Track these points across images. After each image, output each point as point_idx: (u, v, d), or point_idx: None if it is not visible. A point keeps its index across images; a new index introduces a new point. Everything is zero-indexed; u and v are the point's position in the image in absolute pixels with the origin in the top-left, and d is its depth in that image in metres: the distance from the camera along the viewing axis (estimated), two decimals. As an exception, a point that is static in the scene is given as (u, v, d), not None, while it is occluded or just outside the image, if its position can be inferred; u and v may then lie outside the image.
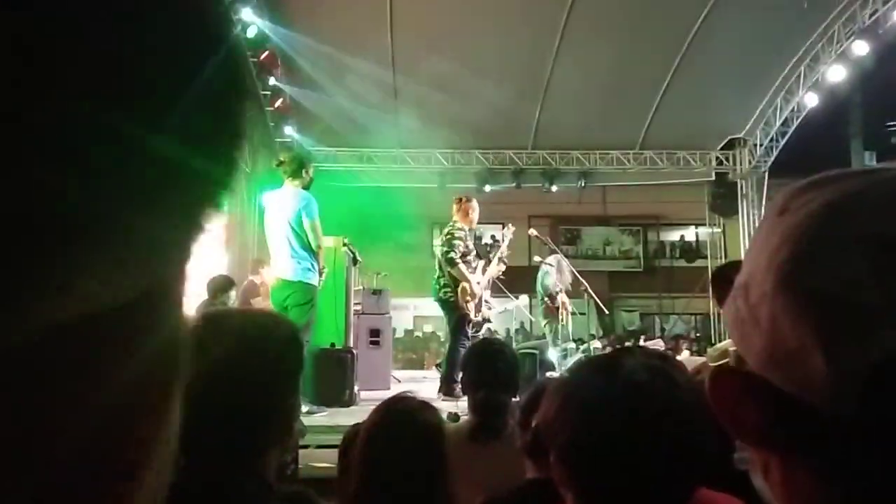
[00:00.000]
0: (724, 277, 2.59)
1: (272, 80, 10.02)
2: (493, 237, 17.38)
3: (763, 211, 12.37)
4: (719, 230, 15.27)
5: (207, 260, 10.24)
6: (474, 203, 6.23)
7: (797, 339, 0.40)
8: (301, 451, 3.85)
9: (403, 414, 1.70)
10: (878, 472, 0.38)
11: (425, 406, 1.79)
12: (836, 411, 0.39)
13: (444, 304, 6.07)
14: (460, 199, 6.29)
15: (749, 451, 0.48)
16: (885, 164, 0.45)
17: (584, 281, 7.44)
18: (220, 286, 6.68)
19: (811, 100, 11.16)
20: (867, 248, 0.39)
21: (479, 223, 6.48)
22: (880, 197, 0.41)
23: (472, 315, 5.91)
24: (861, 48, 9.92)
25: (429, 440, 1.66)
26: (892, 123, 14.86)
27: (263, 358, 1.17)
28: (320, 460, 3.74)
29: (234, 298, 7.09)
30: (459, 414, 4.05)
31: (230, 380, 1.12)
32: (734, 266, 0.50)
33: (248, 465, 1.16)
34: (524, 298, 7.25)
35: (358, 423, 2.18)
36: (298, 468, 3.10)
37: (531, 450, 1.85)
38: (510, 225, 6.86)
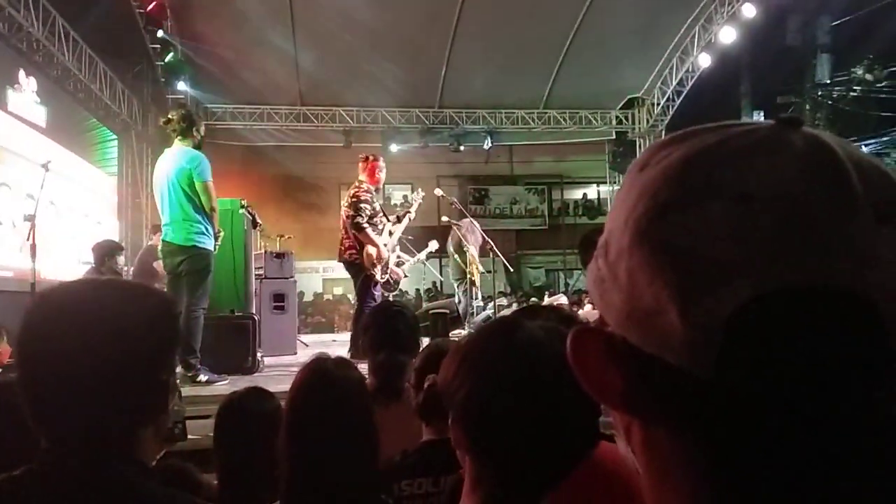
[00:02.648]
0: (590, 242, 2.63)
1: (161, 33, 9.41)
2: (404, 197, 17.33)
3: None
4: (619, 187, 15.79)
5: (99, 226, 9.67)
6: (381, 162, 6.08)
7: (653, 295, 0.38)
8: (199, 422, 3.70)
9: (320, 373, 1.63)
10: (737, 431, 0.37)
11: (342, 363, 1.72)
12: (694, 370, 0.37)
13: (351, 265, 5.96)
14: (367, 158, 6.12)
15: (612, 415, 0.46)
16: (741, 121, 0.43)
17: (490, 241, 7.49)
18: (107, 251, 6.32)
19: (704, 60, 11.59)
20: (721, 200, 0.38)
21: (387, 183, 6.37)
22: (734, 150, 0.40)
23: (378, 277, 5.82)
24: (750, 11, 10.34)
25: (349, 396, 1.60)
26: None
27: (130, 332, 1.06)
28: (219, 430, 3.61)
29: (122, 264, 6.72)
30: (365, 376, 4.00)
31: (93, 355, 1.02)
32: (600, 231, 0.46)
33: (117, 446, 1.07)
34: (434, 243, 7.17)
35: (234, 392, 2.08)
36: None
37: (424, 411, 1.83)
38: (419, 190, 6.76)
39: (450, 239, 8.95)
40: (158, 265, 6.71)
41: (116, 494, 1.05)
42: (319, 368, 1.63)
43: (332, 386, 1.58)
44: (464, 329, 8.41)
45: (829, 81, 16.05)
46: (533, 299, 13.03)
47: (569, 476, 1.00)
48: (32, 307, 1.11)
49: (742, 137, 0.40)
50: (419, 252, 6.98)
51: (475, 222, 8.77)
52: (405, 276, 6.52)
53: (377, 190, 6.14)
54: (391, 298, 6.31)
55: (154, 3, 9.03)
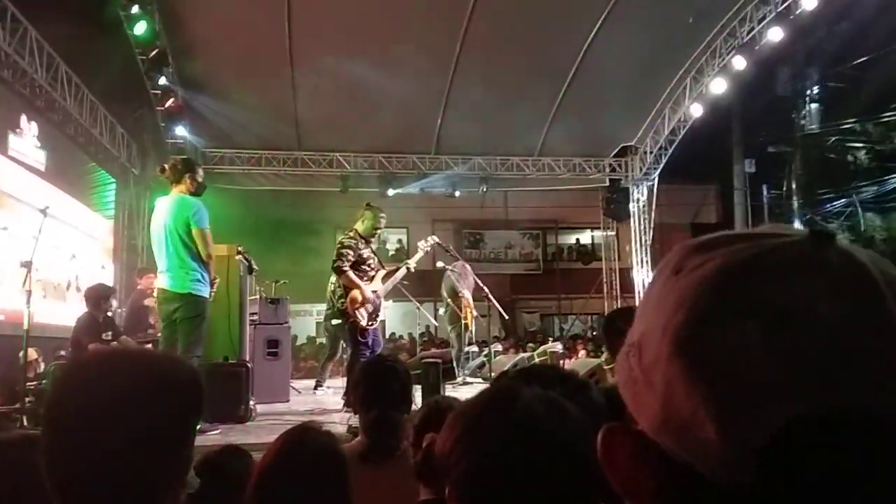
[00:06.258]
0: (615, 327, 2.63)
1: (162, 80, 9.55)
2: (399, 241, 17.38)
3: (652, 215, 12.90)
4: (613, 233, 15.89)
5: (94, 269, 9.66)
6: (378, 212, 6.06)
7: (691, 408, 0.39)
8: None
9: (312, 447, 1.63)
10: None
11: (332, 437, 1.72)
12: (730, 483, 0.38)
13: (341, 313, 5.96)
14: (368, 206, 6.15)
15: None
16: (772, 229, 0.45)
17: (485, 287, 7.50)
18: (101, 295, 6.30)
19: (696, 110, 11.81)
20: (759, 318, 0.39)
21: (383, 227, 6.32)
22: (770, 265, 0.41)
23: (363, 323, 5.77)
24: (740, 63, 10.59)
25: (338, 474, 1.60)
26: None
27: (158, 406, 1.06)
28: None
29: (115, 306, 6.71)
30: (360, 427, 3.96)
31: (120, 427, 1.02)
32: (623, 314, 0.48)
33: None
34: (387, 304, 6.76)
35: (209, 451, 2.06)
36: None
37: (422, 471, 1.82)
38: (428, 238, 6.71)
39: (443, 283, 8.97)
40: (150, 301, 6.73)
41: None
42: (309, 439, 1.62)
43: (307, 462, 1.57)
44: (458, 377, 8.36)
45: (818, 131, 16.32)
46: (530, 345, 12.98)
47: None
48: (64, 375, 1.13)
49: (778, 252, 0.41)
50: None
51: (467, 266, 8.80)
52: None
53: (370, 238, 6.07)
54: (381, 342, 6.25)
55: (156, 51, 9.17)
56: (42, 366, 7.04)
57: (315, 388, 8.45)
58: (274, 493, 1.54)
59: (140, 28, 8.51)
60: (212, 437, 4.57)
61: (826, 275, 0.40)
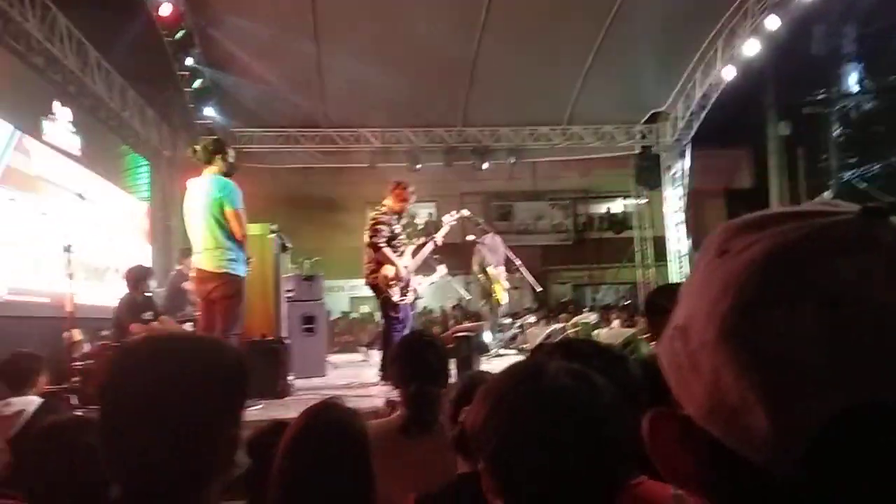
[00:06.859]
0: (656, 306, 2.61)
1: (189, 61, 9.61)
2: (430, 214, 17.39)
3: (686, 181, 12.63)
4: (645, 201, 15.69)
5: (132, 250, 9.85)
6: (409, 189, 6.13)
7: (740, 394, 0.39)
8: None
9: (333, 423, 1.67)
10: None
11: (353, 413, 1.76)
12: (778, 470, 0.37)
13: (374, 288, 6.03)
14: (397, 184, 6.21)
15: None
16: (821, 206, 0.43)
17: (516, 259, 7.49)
18: (140, 276, 6.44)
19: (729, 73, 11.48)
20: (809, 303, 0.38)
21: (413, 202, 6.38)
22: (821, 248, 0.39)
23: (395, 298, 5.84)
24: (773, 23, 10.26)
25: (359, 449, 1.64)
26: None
27: (207, 386, 1.10)
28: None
29: (153, 287, 6.85)
30: (399, 401, 4.02)
31: (171, 409, 1.06)
32: (664, 292, 0.48)
33: (187, 498, 1.10)
34: (443, 268, 7.01)
35: (257, 428, 2.11)
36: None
37: (460, 444, 1.84)
38: (454, 212, 6.74)
39: (474, 258, 8.99)
40: (189, 285, 6.87)
41: None
42: (331, 416, 1.66)
43: (342, 437, 1.61)
44: (491, 349, 8.41)
45: (855, 91, 15.81)
46: (562, 315, 12.96)
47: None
48: (117, 359, 1.17)
49: (826, 232, 0.40)
50: (431, 275, 6.92)
51: (497, 238, 8.78)
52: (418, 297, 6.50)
53: (399, 215, 6.13)
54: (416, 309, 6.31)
55: (182, 32, 9.20)
56: (86, 346, 7.24)
57: (367, 346, 8.79)
58: (295, 468, 1.58)
59: (165, 10, 8.55)
60: (254, 412, 4.67)
61: (879, 255, 0.38)
